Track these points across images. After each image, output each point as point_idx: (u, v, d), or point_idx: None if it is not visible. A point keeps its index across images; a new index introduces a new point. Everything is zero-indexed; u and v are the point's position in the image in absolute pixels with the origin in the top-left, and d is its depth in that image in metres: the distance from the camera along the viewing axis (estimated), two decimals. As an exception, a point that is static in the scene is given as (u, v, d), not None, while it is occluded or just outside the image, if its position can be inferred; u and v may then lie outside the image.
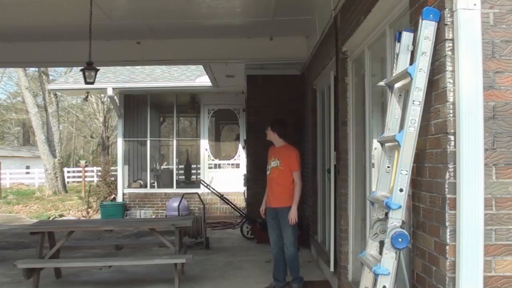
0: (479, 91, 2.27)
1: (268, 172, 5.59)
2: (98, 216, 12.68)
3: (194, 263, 6.58)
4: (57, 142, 21.93)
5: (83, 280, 6.24)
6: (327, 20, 5.59)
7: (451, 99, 2.30)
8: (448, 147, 2.30)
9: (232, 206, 10.03)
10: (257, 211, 5.96)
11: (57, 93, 19.99)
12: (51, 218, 13.06)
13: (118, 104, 12.53)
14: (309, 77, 7.77)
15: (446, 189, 2.30)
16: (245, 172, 10.39)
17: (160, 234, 5.98)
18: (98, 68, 6.52)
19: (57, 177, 20.46)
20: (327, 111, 6.62)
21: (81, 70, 6.52)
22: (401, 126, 2.65)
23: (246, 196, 10.24)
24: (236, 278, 6.21)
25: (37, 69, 22.36)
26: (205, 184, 10.63)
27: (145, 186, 12.94)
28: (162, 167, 14.48)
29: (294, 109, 8.74)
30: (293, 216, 5.28)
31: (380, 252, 2.63)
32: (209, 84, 11.67)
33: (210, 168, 13.32)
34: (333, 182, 5.53)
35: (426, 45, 2.43)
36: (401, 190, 2.46)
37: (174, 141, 13.71)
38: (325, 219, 6.79)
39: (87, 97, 13.80)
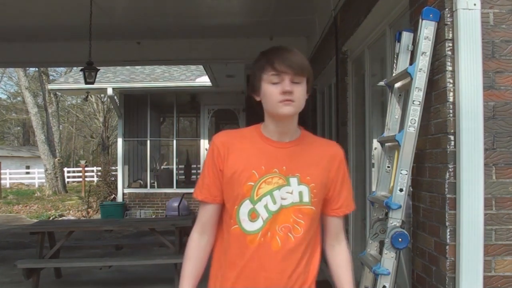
0: (479, 91, 2.26)
1: (262, 224, 1.72)
2: (98, 216, 12.68)
3: (194, 263, 6.56)
4: (57, 142, 21.93)
5: (83, 280, 6.24)
6: (327, 20, 5.59)
7: (451, 99, 2.30)
8: (448, 147, 2.30)
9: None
10: None
11: (57, 93, 19.98)
12: (51, 218, 13.06)
13: (118, 104, 12.53)
14: (309, 77, 7.75)
15: (446, 189, 2.29)
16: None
17: (160, 234, 5.98)
18: (98, 68, 6.53)
19: (57, 177, 20.45)
20: (327, 111, 6.62)
21: (81, 70, 6.54)
22: (401, 126, 2.65)
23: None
24: (236, 278, 6.20)
25: (37, 69, 22.36)
26: (205, 184, 10.60)
27: (145, 186, 12.94)
28: (162, 167, 14.48)
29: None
30: None
31: (380, 252, 2.63)
32: (209, 84, 11.66)
33: (210, 168, 13.28)
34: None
35: (426, 45, 2.43)
36: (401, 190, 2.46)
37: (174, 141, 13.71)
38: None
39: (87, 97, 13.80)
